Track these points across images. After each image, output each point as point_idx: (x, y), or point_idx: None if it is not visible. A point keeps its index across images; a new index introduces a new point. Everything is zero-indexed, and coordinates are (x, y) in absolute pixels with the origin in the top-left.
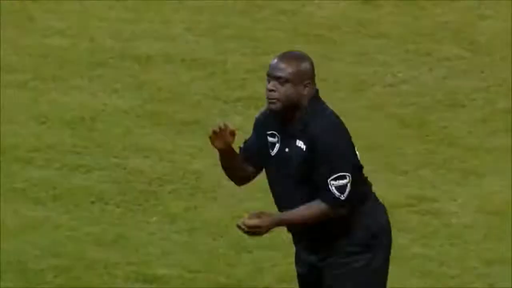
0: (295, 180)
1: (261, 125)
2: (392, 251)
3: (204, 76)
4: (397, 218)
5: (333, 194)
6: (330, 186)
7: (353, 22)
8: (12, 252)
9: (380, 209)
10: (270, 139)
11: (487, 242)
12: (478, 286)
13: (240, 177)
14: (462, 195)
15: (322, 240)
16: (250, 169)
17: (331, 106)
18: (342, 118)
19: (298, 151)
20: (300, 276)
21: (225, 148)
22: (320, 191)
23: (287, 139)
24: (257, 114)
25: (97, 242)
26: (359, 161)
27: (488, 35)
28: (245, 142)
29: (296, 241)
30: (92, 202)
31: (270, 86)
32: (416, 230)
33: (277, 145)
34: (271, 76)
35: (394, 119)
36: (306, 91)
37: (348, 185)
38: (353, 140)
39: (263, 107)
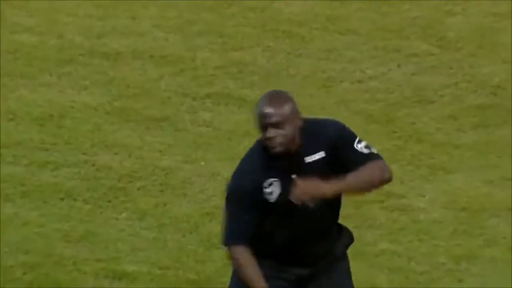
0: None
1: (254, 190)
2: (360, 247)
3: (173, 73)
4: (365, 215)
5: (368, 152)
6: (359, 150)
7: (322, 19)
8: None
9: None
10: (266, 190)
11: (455, 238)
12: (447, 282)
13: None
14: (430, 191)
15: (329, 247)
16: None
17: (299, 103)
18: (310, 115)
19: (316, 163)
20: None
21: None
22: (357, 162)
23: (294, 168)
24: (239, 183)
25: (66, 239)
26: None
27: (456, 31)
28: (238, 235)
29: (295, 260)
30: (61, 199)
31: (271, 134)
32: (384, 226)
33: (278, 185)
34: (267, 125)
35: (362, 115)
36: (299, 123)
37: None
38: None
39: (238, 172)
